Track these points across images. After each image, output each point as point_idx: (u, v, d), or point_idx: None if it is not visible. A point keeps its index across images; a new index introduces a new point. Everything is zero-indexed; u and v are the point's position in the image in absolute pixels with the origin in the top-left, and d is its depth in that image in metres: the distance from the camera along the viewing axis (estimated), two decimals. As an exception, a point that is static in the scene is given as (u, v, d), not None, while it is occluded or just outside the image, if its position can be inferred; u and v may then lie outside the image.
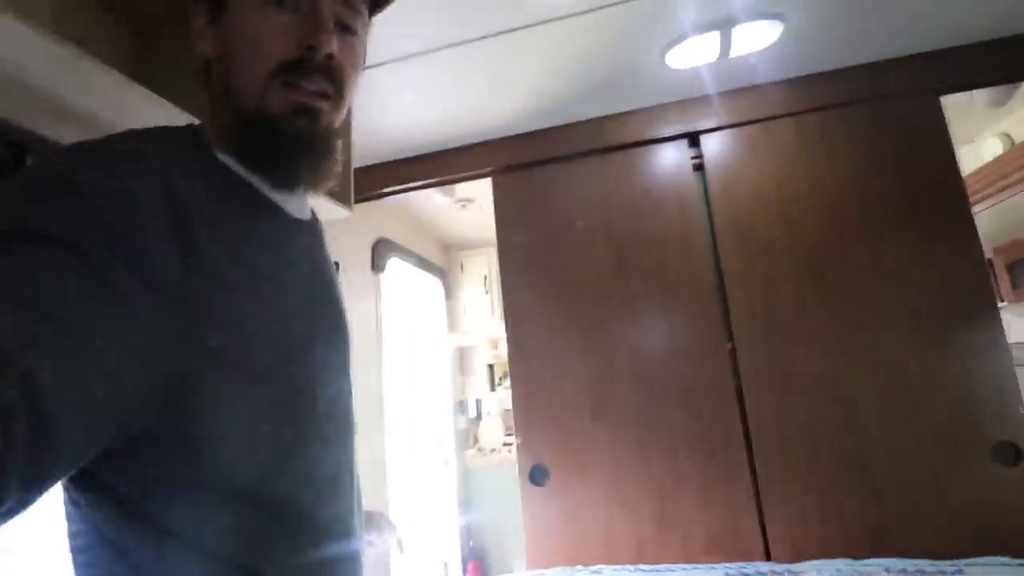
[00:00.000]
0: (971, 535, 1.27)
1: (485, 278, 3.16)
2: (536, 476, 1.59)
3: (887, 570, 1.10)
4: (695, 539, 1.44)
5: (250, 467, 0.48)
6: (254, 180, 0.56)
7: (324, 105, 0.56)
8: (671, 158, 1.67)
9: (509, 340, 1.69)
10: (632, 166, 1.70)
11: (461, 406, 3.30)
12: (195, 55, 0.58)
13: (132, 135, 0.49)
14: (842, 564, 1.15)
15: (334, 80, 0.56)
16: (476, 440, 3.42)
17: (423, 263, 2.73)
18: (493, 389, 3.56)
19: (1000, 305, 3.12)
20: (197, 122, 0.62)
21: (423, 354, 2.83)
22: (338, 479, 0.59)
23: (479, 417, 3.43)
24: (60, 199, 0.40)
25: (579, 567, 1.37)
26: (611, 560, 1.44)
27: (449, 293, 3.18)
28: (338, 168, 0.61)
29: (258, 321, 0.49)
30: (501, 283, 1.73)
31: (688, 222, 1.62)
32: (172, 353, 0.42)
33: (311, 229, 0.64)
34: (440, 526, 2.76)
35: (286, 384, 0.51)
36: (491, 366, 3.54)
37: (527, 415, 1.63)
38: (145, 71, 0.78)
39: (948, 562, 1.14)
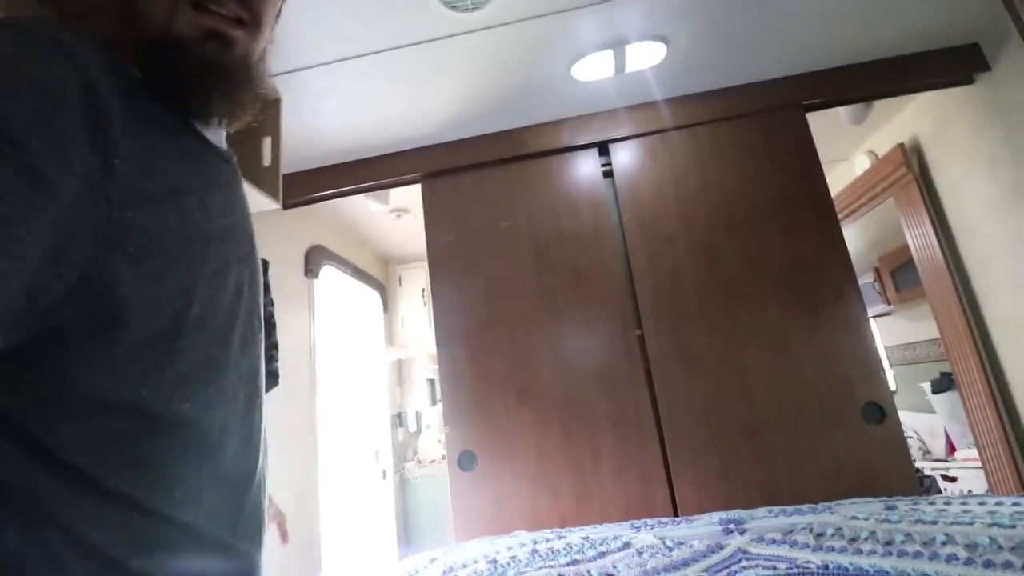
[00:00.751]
0: (845, 485, 1.44)
1: (423, 291, 3.22)
2: (464, 461, 1.66)
3: (769, 511, 1.24)
4: (612, 508, 1.55)
5: (160, 384, 0.45)
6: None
7: (238, 33, 0.53)
8: (584, 165, 1.85)
9: (437, 335, 1.77)
10: (550, 172, 1.86)
11: (399, 419, 3.31)
12: None
13: (43, 20, 0.45)
14: (734, 512, 1.28)
15: (248, 5, 0.53)
16: (415, 453, 3.42)
17: (360, 274, 2.78)
18: (434, 404, 3.58)
19: (887, 308, 3.48)
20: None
21: (359, 364, 2.84)
22: (249, 419, 0.56)
23: (419, 431, 3.44)
24: None
25: (497, 536, 1.44)
26: (533, 533, 1.52)
27: (387, 306, 3.22)
28: (258, 101, 0.58)
29: (180, 235, 0.47)
30: (430, 281, 1.83)
31: (600, 222, 1.79)
32: (89, 250, 0.40)
33: (229, 160, 0.61)
34: (378, 538, 2.73)
35: (203, 305, 0.49)
36: (431, 381, 3.57)
37: (456, 403, 1.71)
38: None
39: (822, 504, 1.30)
